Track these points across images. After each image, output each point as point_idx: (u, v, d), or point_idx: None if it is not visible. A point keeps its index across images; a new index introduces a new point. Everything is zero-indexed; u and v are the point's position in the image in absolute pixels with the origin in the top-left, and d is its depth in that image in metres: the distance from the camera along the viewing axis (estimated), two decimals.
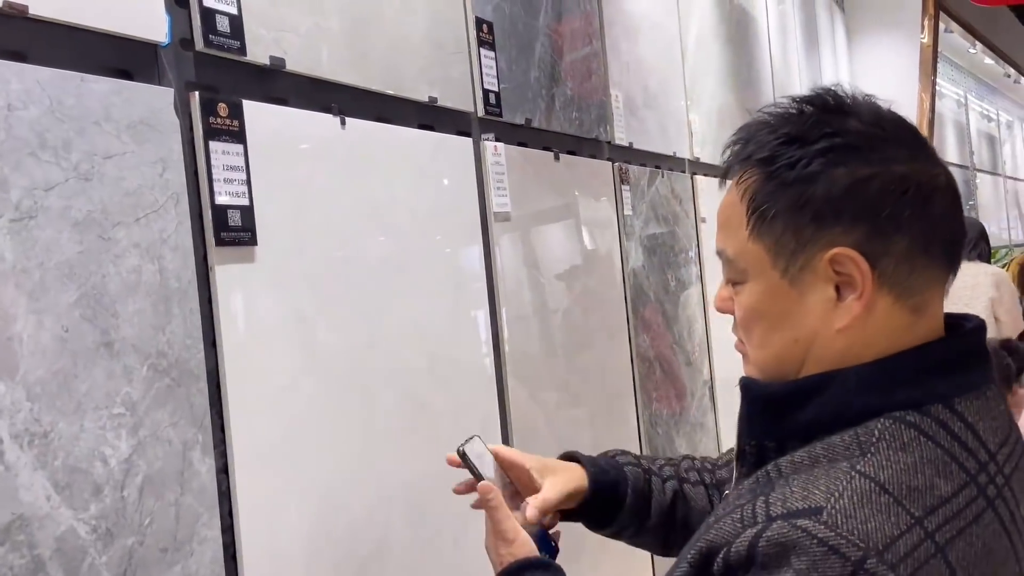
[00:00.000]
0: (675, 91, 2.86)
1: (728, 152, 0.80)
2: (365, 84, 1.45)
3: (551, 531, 1.03)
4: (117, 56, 1.05)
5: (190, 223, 1.10)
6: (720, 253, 0.81)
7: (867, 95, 0.78)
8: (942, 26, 6.34)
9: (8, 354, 0.88)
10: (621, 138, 2.41)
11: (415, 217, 1.54)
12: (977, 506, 0.69)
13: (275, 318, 1.22)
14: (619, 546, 1.16)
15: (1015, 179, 11.65)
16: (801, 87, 4.41)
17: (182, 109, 1.11)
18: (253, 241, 1.19)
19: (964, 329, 0.77)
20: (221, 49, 1.17)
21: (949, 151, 8.20)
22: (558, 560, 1.00)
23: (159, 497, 1.03)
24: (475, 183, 1.73)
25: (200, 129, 1.12)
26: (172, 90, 1.10)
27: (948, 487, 0.69)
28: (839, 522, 0.65)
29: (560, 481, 1.05)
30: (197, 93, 1.13)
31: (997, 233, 9.30)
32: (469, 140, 1.73)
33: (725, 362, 2.90)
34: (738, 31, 3.61)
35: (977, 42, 7.79)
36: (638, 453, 1.16)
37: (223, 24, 1.17)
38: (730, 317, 0.83)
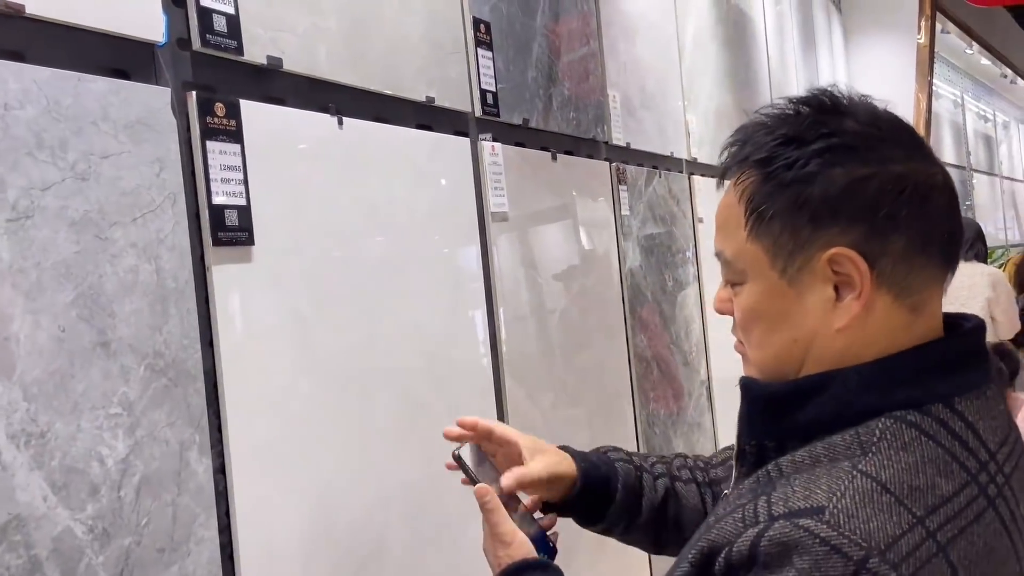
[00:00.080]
0: (672, 91, 2.87)
1: (725, 153, 0.80)
2: (363, 84, 1.44)
3: (549, 532, 1.03)
4: (114, 56, 1.05)
5: (187, 223, 1.10)
6: (718, 254, 0.81)
7: (863, 95, 0.78)
8: (939, 27, 6.35)
9: (5, 354, 0.88)
10: (618, 138, 2.41)
11: (413, 217, 1.54)
12: (978, 505, 0.69)
13: (272, 318, 1.22)
14: (616, 546, 1.16)
15: (1011, 179, 11.67)
16: (798, 87, 4.42)
17: (179, 109, 1.11)
18: (250, 241, 1.18)
19: (964, 329, 0.77)
20: (218, 49, 1.17)
21: (946, 151, 8.21)
22: (556, 560, 1.00)
23: (156, 497, 1.02)
24: (473, 183, 1.73)
25: (197, 129, 1.12)
26: (169, 90, 1.10)
27: (949, 486, 0.69)
28: (841, 521, 0.65)
29: (546, 462, 1.05)
30: (194, 93, 1.13)
31: (993, 233, 9.31)
32: (467, 140, 1.73)
33: (722, 362, 2.90)
34: (735, 31, 3.61)
35: (974, 43, 7.80)
36: (631, 450, 1.16)
37: (220, 24, 1.17)
38: (728, 318, 0.83)
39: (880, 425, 0.70)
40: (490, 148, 1.78)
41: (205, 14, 1.15)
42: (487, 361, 1.72)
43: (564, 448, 1.11)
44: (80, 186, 0.97)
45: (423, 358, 1.52)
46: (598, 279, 2.24)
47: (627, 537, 1.11)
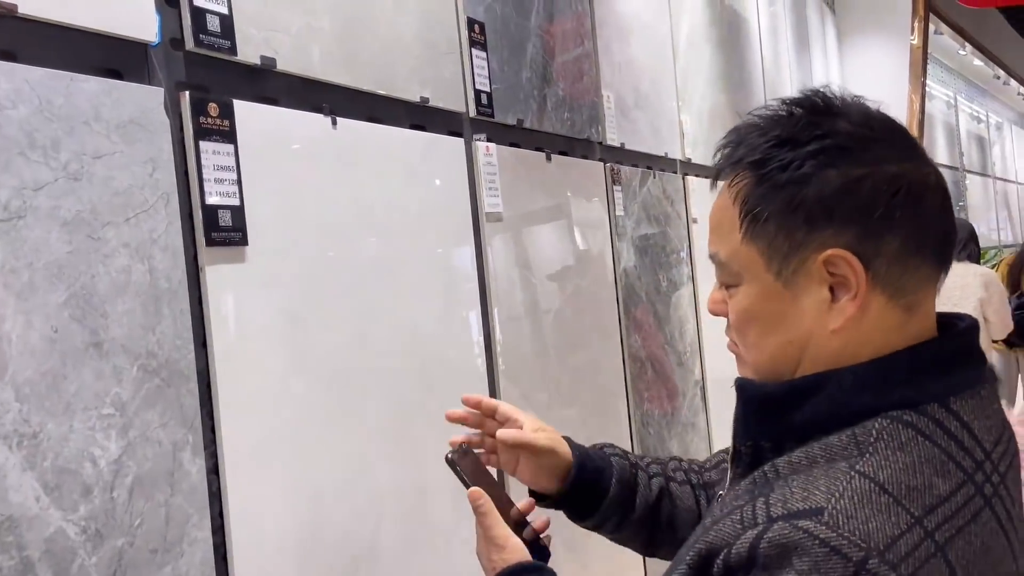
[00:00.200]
0: (666, 92, 2.87)
1: (719, 155, 0.80)
2: (356, 84, 1.44)
3: (542, 535, 1.03)
4: (107, 56, 1.05)
5: (180, 223, 1.10)
6: (713, 256, 0.81)
7: (856, 96, 0.78)
8: (932, 28, 6.37)
9: None
10: (613, 139, 2.41)
11: (407, 217, 1.53)
12: (975, 505, 0.69)
13: (266, 318, 1.22)
14: (611, 548, 1.16)
15: (1004, 180, 11.71)
16: (792, 88, 4.42)
17: (172, 109, 1.10)
18: (244, 241, 1.18)
19: (958, 328, 0.77)
20: (212, 49, 1.16)
21: (939, 152, 8.24)
22: (550, 563, 1.00)
23: (149, 498, 1.02)
24: (467, 183, 1.73)
25: (190, 129, 1.12)
26: (162, 90, 1.09)
27: (946, 486, 0.69)
28: (840, 523, 0.65)
29: (547, 436, 1.06)
30: (187, 93, 1.12)
31: (986, 234, 9.35)
32: (461, 140, 1.73)
33: (716, 363, 2.91)
34: (729, 32, 3.62)
35: (967, 44, 7.83)
36: (626, 449, 1.16)
37: (213, 24, 1.16)
38: (722, 318, 0.83)
39: (877, 425, 0.71)
40: (484, 148, 1.78)
41: (198, 14, 1.14)
42: (481, 361, 1.72)
43: (565, 437, 1.12)
44: (72, 186, 0.97)
45: (417, 359, 1.52)
46: (592, 279, 2.24)
47: (618, 535, 1.11)
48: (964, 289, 3.73)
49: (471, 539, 1.02)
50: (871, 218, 0.71)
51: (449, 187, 1.68)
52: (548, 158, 2.06)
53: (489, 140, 1.80)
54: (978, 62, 8.82)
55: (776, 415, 0.76)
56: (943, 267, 0.76)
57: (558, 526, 1.08)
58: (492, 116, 1.82)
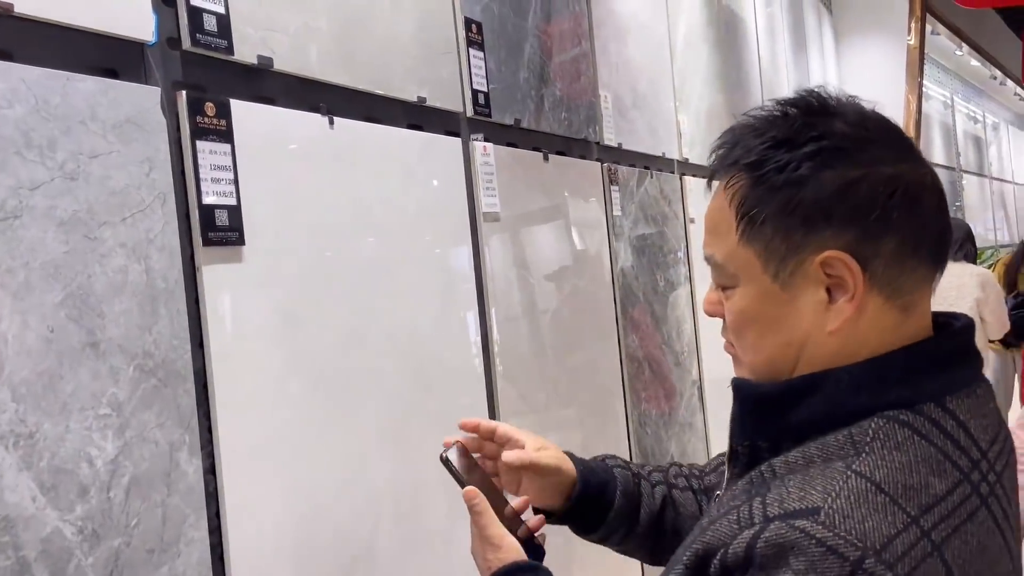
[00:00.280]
0: (664, 92, 2.87)
1: (713, 156, 0.80)
2: (354, 84, 1.44)
3: (536, 533, 1.03)
4: (103, 55, 1.04)
5: (177, 223, 1.10)
6: (708, 258, 0.81)
7: (850, 96, 0.78)
8: (928, 28, 6.38)
9: None
10: (610, 139, 2.41)
11: (404, 217, 1.53)
12: (971, 504, 0.70)
13: (263, 318, 1.22)
14: (608, 550, 1.16)
15: (1001, 180, 11.73)
16: (789, 88, 4.43)
17: (169, 108, 1.10)
18: (240, 241, 1.18)
19: (953, 328, 0.78)
20: (208, 48, 1.16)
21: (936, 152, 8.25)
22: (545, 562, 1.00)
23: (146, 498, 1.02)
24: (464, 183, 1.73)
25: (187, 128, 1.12)
26: (159, 89, 1.09)
27: (942, 485, 0.69)
28: (837, 522, 0.65)
29: (551, 454, 1.05)
30: (184, 92, 1.12)
31: (983, 234, 9.36)
32: (458, 140, 1.73)
33: (714, 362, 2.91)
34: (727, 33, 3.62)
35: (963, 44, 7.84)
36: (627, 459, 1.15)
37: (210, 23, 1.16)
38: (719, 318, 0.83)
39: (873, 425, 0.71)
40: (482, 148, 1.78)
41: (195, 13, 1.14)
42: (479, 362, 1.72)
43: (566, 453, 1.11)
44: (69, 186, 0.97)
45: (414, 359, 1.52)
46: (590, 279, 2.24)
47: (624, 546, 1.10)
48: (960, 289, 3.73)
49: (468, 539, 1.02)
50: (868, 219, 0.71)
51: (446, 187, 1.68)
52: (545, 158, 2.06)
53: (486, 140, 1.80)
54: (975, 62, 8.84)
55: (773, 415, 0.76)
56: (939, 267, 0.76)
57: (555, 526, 1.08)
58: (489, 116, 1.82)
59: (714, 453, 2.87)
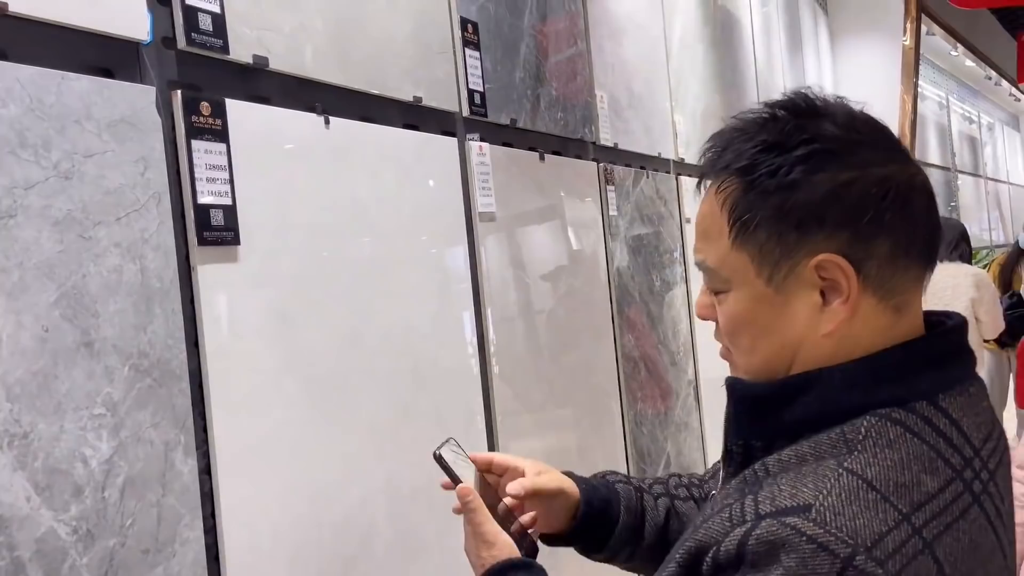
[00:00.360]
0: (660, 92, 2.87)
1: (703, 160, 0.80)
2: (349, 83, 1.44)
3: (529, 530, 1.03)
4: (98, 54, 1.04)
5: (172, 223, 1.10)
6: (700, 263, 0.80)
7: (838, 97, 0.78)
8: (924, 28, 6.40)
9: None
10: (606, 139, 2.42)
11: (399, 217, 1.53)
12: (963, 502, 0.70)
13: (258, 318, 1.22)
14: None
15: (996, 181, 11.76)
16: (785, 88, 4.42)
17: (164, 108, 1.10)
18: (236, 241, 1.18)
19: (946, 326, 0.78)
20: (204, 47, 1.16)
21: (931, 153, 8.26)
22: (539, 559, 1.00)
23: (140, 498, 1.02)
24: (460, 183, 1.73)
25: (182, 128, 1.12)
26: (154, 88, 1.09)
27: (934, 483, 0.69)
28: (828, 519, 0.65)
29: (552, 477, 1.05)
30: (179, 92, 1.12)
31: (978, 234, 9.39)
32: (454, 140, 1.73)
33: (710, 362, 2.91)
34: (722, 33, 3.62)
35: (958, 44, 7.85)
36: (627, 474, 1.15)
37: (206, 22, 1.16)
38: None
39: (865, 423, 0.71)
40: (477, 148, 1.78)
41: (190, 13, 1.14)
42: (475, 362, 1.72)
43: (566, 473, 1.11)
44: (63, 185, 0.97)
45: (410, 359, 1.52)
46: (586, 279, 2.24)
47: (631, 564, 1.09)
48: (955, 289, 3.73)
49: (462, 537, 1.02)
50: (861, 222, 0.72)
51: (442, 187, 1.68)
52: (541, 158, 2.06)
53: (482, 140, 1.80)
54: (970, 63, 8.85)
55: (766, 414, 0.76)
56: (930, 266, 0.77)
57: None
58: (485, 116, 1.82)
59: (710, 452, 2.88)
